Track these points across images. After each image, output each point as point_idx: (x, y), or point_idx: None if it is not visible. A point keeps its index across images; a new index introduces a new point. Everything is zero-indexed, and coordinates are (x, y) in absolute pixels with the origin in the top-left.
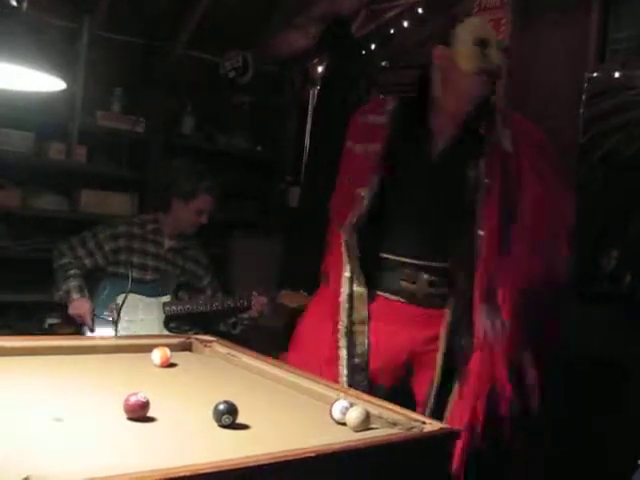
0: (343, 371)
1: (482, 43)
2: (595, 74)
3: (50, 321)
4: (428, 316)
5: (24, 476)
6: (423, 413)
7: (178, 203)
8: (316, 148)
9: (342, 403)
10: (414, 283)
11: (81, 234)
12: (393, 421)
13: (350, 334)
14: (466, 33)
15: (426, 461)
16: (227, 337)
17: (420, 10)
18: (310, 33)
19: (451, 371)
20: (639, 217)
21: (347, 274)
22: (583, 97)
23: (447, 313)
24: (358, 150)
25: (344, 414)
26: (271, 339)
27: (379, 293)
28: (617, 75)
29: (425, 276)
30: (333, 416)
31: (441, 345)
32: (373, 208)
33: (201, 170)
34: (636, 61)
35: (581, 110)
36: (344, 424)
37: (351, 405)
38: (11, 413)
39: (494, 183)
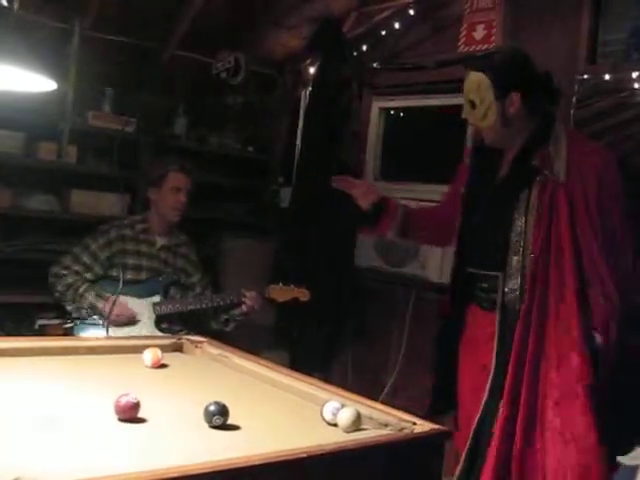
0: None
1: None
2: (585, 76)
3: (41, 322)
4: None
5: (14, 477)
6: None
7: (154, 193)
8: (307, 149)
9: (333, 404)
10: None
11: (71, 251)
12: (384, 422)
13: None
14: None
15: (417, 462)
16: (219, 335)
17: (411, 12)
18: (302, 34)
19: None
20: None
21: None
22: (573, 99)
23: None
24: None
25: (335, 415)
26: (262, 336)
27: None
28: (607, 77)
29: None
30: (324, 417)
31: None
32: None
33: (167, 156)
34: (627, 63)
35: (571, 112)
36: (335, 425)
37: (342, 406)
38: (1, 414)
39: (542, 213)
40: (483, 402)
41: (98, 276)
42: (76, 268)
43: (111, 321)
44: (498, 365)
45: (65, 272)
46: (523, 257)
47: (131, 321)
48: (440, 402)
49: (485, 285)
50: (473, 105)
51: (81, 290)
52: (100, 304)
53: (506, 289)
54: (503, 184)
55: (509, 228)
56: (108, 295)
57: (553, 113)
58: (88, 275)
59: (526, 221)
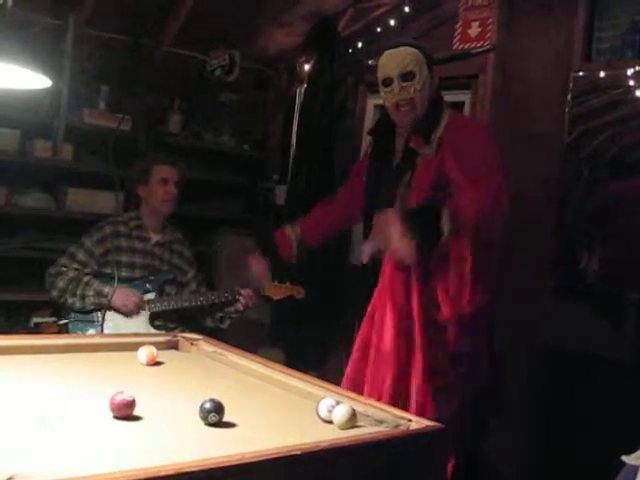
0: None
1: (385, 82)
2: (581, 73)
3: (36, 320)
4: None
5: (8, 476)
6: None
7: (142, 189)
8: (303, 146)
9: (328, 401)
10: None
11: (67, 251)
12: (379, 419)
13: None
14: (378, 76)
15: (412, 458)
16: (215, 332)
17: (406, 9)
18: (297, 31)
19: None
20: (620, 215)
21: None
22: (569, 96)
23: None
24: None
25: (330, 412)
26: (257, 334)
27: None
28: (602, 74)
29: None
30: (319, 414)
31: None
32: None
33: (150, 153)
34: (621, 60)
35: (567, 109)
36: (331, 422)
37: (337, 403)
38: None
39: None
40: None
41: (94, 272)
42: (74, 266)
43: (121, 311)
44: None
45: (64, 269)
46: None
47: (139, 307)
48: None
49: None
50: (410, 76)
51: (85, 280)
52: (106, 289)
53: None
54: (395, 170)
55: None
56: (111, 287)
57: (441, 98)
58: (86, 271)
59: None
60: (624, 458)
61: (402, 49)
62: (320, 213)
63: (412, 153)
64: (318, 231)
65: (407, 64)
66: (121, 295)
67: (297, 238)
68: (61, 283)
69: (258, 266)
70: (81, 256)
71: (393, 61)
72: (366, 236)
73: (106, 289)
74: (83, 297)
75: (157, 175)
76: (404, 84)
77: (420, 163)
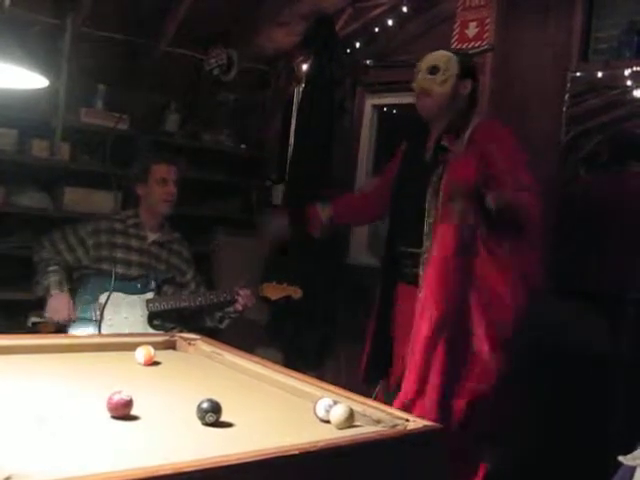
0: None
1: (416, 72)
2: (578, 73)
3: (33, 319)
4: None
5: (6, 476)
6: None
7: (141, 188)
8: (300, 146)
9: (326, 401)
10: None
11: (63, 228)
12: (377, 419)
13: None
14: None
15: (409, 458)
16: (214, 332)
17: (404, 9)
18: (295, 31)
19: None
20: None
21: None
22: (566, 96)
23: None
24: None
25: (328, 412)
26: (255, 334)
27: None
28: (600, 75)
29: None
30: (317, 414)
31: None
32: None
33: (148, 151)
34: (619, 61)
35: (564, 109)
36: (328, 422)
37: (335, 403)
38: None
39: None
40: None
41: (80, 262)
42: (60, 245)
43: (48, 314)
44: None
45: (49, 246)
46: (429, 230)
47: (68, 320)
48: (374, 372)
49: (410, 262)
50: (435, 70)
51: (50, 268)
52: (53, 291)
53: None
54: (425, 166)
55: (423, 205)
56: (64, 289)
57: (474, 107)
58: (69, 257)
59: (432, 196)
60: (621, 458)
61: (442, 51)
62: (350, 200)
63: (442, 150)
64: (346, 215)
65: (435, 59)
66: (55, 302)
67: (327, 216)
68: (35, 257)
69: (280, 219)
70: (72, 240)
71: (428, 57)
72: (393, 228)
73: (53, 290)
74: (37, 282)
75: (156, 174)
76: (428, 76)
77: (452, 159)
